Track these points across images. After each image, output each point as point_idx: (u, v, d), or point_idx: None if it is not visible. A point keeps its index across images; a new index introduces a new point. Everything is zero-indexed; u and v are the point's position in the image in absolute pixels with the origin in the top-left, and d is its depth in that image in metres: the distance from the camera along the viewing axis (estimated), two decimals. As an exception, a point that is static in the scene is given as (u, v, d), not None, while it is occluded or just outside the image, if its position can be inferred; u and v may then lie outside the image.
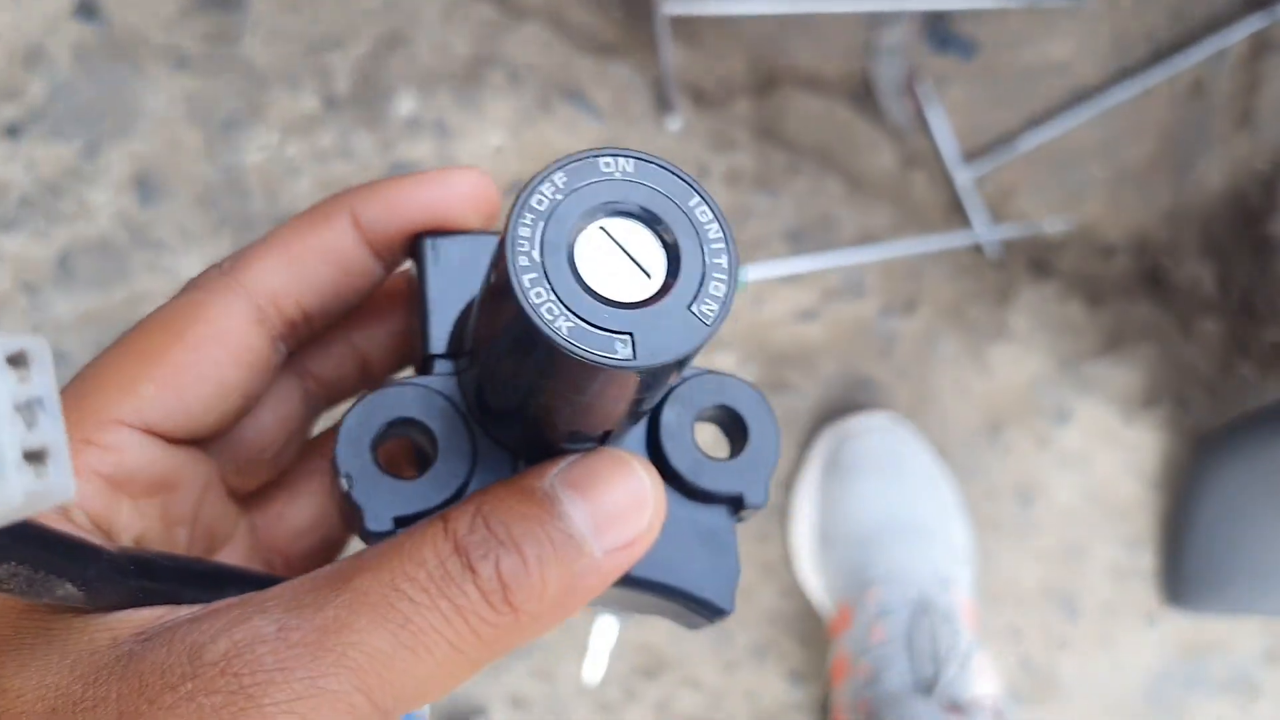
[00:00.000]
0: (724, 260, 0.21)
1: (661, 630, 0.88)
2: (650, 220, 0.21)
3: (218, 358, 0.25)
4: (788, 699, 0.92)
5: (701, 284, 0.20)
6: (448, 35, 0.83)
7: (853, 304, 0.89)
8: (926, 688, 0.77)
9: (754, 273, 0.85)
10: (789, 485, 0.89)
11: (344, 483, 0.24)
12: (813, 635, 0.91)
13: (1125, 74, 1.02)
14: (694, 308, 0.20)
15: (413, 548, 0.20)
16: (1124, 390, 0.94)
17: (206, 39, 0.80)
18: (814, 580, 0.88)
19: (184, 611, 0.21)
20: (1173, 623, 0.96)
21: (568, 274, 0.20)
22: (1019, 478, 0.93)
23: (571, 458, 0.22)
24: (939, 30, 1.00)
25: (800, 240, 0.88)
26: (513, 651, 0.21)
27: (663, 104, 0.87)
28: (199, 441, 0.27)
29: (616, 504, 0.21)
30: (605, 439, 0.23)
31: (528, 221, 0.20)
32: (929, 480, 0.87)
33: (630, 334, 0.20)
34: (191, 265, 0.80)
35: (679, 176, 0.21)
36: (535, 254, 0.20)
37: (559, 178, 0.21)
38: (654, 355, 0.20)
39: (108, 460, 0.24)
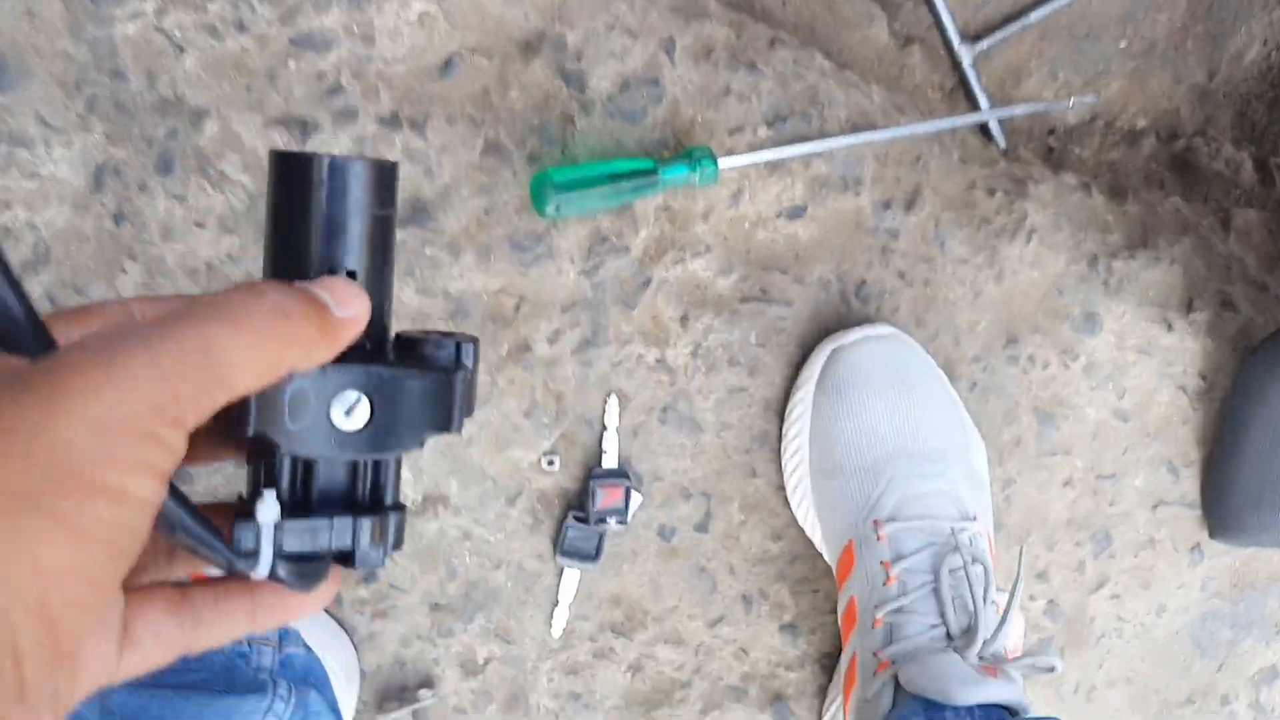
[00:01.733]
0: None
1: (636, 580, 0.77)
2: None
3: None
4: (783, 655, 0.80)
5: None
6: (357, -120, 0.70)
7: (846, 197, 0.77)
8: (961, 642, 0.65)
9: (731, 162, 0.73)
10: (780, 411, 0.77)
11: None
12: (811, 580, 0.79)
13: (1147, -63, 0.91)
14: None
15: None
16: (1159, 292, 0.83)
17: (64, -113, 0.67)
18: (813, 520, 0.76)
19: None
20: (1220, 556, 0.86)
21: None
22: (1042, 395, 0.82)
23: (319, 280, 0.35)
24: (935, -113, 0.88)
25: (784, 124, 0.76)
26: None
27: (618, -33, 0.74)
28: None
29: (344, 292, 0.34)
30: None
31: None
32: (942, 398, 0.75)
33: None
34: (57, 161, 0.67)
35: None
36: None
37: None
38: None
39: None
